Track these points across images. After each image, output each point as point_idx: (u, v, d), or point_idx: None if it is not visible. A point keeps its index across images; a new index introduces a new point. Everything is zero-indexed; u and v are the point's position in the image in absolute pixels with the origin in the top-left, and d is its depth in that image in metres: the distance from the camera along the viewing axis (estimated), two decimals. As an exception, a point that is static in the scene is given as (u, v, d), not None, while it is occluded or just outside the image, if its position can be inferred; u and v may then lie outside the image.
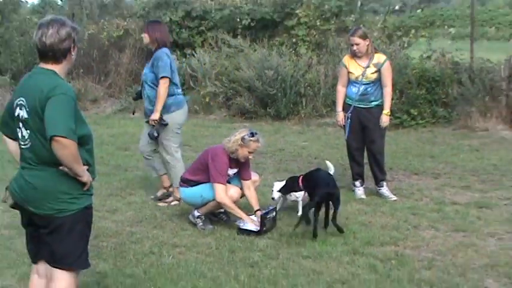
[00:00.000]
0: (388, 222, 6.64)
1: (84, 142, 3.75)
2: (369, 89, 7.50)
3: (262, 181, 7.43)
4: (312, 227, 6.17)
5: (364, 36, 7.45)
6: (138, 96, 7.69)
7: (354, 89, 7.55)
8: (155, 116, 7.10)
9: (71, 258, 3.86)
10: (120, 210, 7.22)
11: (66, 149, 3.58)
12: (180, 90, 7.43)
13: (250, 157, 6.51)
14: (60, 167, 3.69)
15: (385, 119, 7.55)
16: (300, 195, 6.95)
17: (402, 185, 8.19)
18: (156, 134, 7.16)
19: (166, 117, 7.19)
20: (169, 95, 7.18)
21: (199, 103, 14.70)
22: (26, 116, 3.72)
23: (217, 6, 16.81)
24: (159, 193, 7.64)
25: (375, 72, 7.47)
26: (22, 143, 3.80)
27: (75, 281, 3.96)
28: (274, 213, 6.58)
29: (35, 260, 4.06)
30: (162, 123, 7.16)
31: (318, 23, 15.16)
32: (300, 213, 6.83)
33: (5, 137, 3.99)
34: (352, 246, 5.89)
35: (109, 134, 12.22)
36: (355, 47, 7.45)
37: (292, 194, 6.97)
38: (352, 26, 12.54)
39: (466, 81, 12.06)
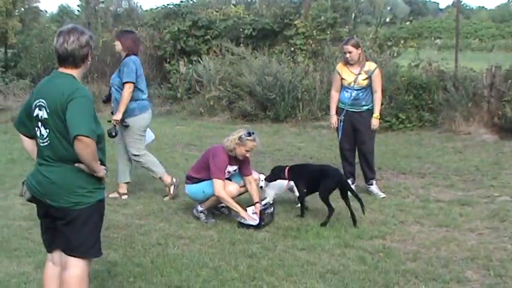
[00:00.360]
0: (377, 218, 6.64)
1: (98, 141, 3.77)
2: (360, 94, 7.51)
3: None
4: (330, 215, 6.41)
5: (356, 45, 7.46)
6: (108, 98, 7.76)
7: (347, 94, 7.56)
8: (117, 116, 7.17)
9: (85, 247, 3.87)
10: (130, 204, 7.23)
11: (88, 147, 3.61)
12: (145, 96, 7.42)
13: (247, 155, 6.51)
14: (76, 164, 3.71)
15: (375, 122, 7.56)
16: (282, 185, 7.01)
17: (390, 184, 8.19)
18: (114, 134, 7.20)
19: (130, 120, 7.25)
20: (134, 99, 7.21)
21: (204, 106, 14.71)
22: (45, 116, 3.73)
23: (222, 16, 16.84)
24: (171, 191, 7.53)
25: (366, 78, 7.48)
26: (41, 141, 3.80)
27: (88, 269, 3.97)
28: (272, 209, 6.58)
29: (50, 249, 4.06)
30: (123, 125, 7.25)
31: (315, 33, 15.17)
32: (298, 204, 6.88)
33: (21, 135, 4.00)
34: (343, 239, 5.89)
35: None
36: (348, 55, 7.46)
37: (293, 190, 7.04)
38: (346, 36, 12.52)
39: (451, 88, 12.04)
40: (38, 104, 3.78)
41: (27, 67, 18.71)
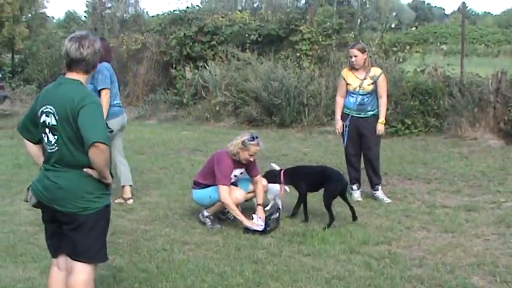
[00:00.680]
0: (383, 223, 6.62)
1: None
2: (365, 100, 7.49)
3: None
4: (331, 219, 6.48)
5: (362, 50, 7.46)
6: None
7: (352, 100, 7.54)
8: None
9: (92, 252, 3.87)
10: (136, 210, 7.23)
11: (103, 153, 3.62)
12: (116, 102, 7.43)
13: (251, 160, 6.51)
14: (84, 169, 3.71)
15: (380, 128, 7.54)
16: (277, 190, 7.02)
17: (396, 189, 8.17)
18: None
19: None
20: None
21: (210, 111, 14.73)
22: (54, 122, 3.73)
23: (228, 22, 16.88)
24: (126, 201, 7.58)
25: (371, 84, 7.46)
26: (49, 147, 3.79)
27: (94, 274, 3.97)
28: (277, 214, 6.57)
29: (55, 254, 4.06)
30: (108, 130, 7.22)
31: (320, 39, 15.19)
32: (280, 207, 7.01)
33: (25, 140, 4.00)
34: (349, 245, 5.87)
35: (127, 139, 12.12)
36: (353, 59, 7.45)
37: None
38: (351, 42, 12.53)
39: (457, 93, 12.02)
40: (45, 111, 3.77)
41: (34, 73, 18.81)
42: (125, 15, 24.57)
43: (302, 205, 6.81)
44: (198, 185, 6.69)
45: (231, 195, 6.37)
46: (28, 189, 3.93)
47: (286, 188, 7.02)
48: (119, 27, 21.31)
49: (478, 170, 9.27)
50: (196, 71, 15.81)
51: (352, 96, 7.53)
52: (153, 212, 7.11)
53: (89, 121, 3.63)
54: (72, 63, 3.79)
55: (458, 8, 67.64)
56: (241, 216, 6.34)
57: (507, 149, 10.83)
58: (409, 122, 12.23)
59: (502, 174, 9.00)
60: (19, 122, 4.10)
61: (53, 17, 43.05)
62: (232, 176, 6.51)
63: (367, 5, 58.03)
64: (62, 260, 4.01)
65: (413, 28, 48.26)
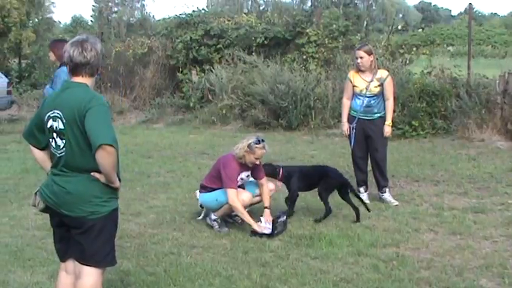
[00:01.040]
0: (390, 226, 6.61)
1: None
2: (372, 102, 7.49)
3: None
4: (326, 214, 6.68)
5: (369, 52, 7.45)
6: None
7: (359, 102, 7.53)
8: None
9: (100, 256, 3.87)
10: (143, 214, 7.24)
11: (110, 156, 3.60)
12: None
13: (257, 163, 6.51)
14: (92, 173, 3.71)
15: (387, 130, 7.53)
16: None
17: (403, 191, 8.15)
18: None
19: None
20: None
21: (217, 115, 14.73)
22: (61, 126, 3.73)
23: (234, 25, 16.88)
24: None
25: (378, 86, 7.46)
26: (57, 152, 3.79)
27: (102, 278, 3.97)
28: (284, 217, 6.56)
29: (63, 258, 4.06)
30: None
31: (327, 41, 15.19)
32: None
33: (31, 146, 4.01)
34: (357, 247, 5.87)
35: (133, 143, 12.26)
36: (359, 60, 7.45)
37: None
38: (358, 44, 12.53)
39: (464, 95, 12.00)
40: (52, 115, 3.78)
41: (41, 77, 18.87)
42: (131, 19, 24.67)
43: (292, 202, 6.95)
44: (204, 188, 6.70)
45: (238, 198, 6.38)
46: (36, 194, 3.93)
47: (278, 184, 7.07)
48: (125, 31, 21.33)
49: (485, 171, 9.24)
50: (203, 74, 15.81)
51: (359, 98, 7.52)
52: (161, 216, 7.11)
53: (96, 123, 3.62)
54: (77, 68, 3.79)
55: (465, 9, 67.52)
56: (249, 220, 6.34)
57: (515, 150, 10.78)
58: (416, 124, 12.21)
59: (510, 175, 8.96)
60: (24, 128, 4.12)
61: (60, 22, 43.21)
62: (238, 179, 6.51)
63: (374, 7, 58.03)
64: (70, 264, 4.01)
65: (420, 30, 48.17)
